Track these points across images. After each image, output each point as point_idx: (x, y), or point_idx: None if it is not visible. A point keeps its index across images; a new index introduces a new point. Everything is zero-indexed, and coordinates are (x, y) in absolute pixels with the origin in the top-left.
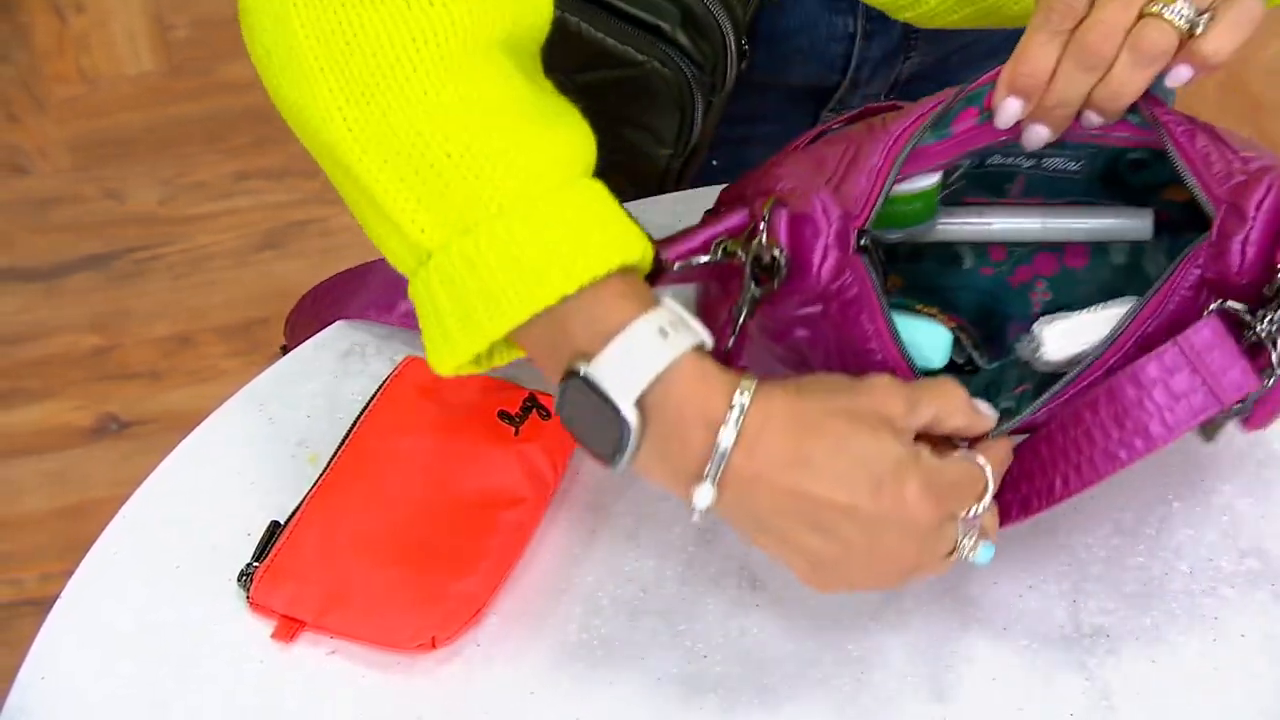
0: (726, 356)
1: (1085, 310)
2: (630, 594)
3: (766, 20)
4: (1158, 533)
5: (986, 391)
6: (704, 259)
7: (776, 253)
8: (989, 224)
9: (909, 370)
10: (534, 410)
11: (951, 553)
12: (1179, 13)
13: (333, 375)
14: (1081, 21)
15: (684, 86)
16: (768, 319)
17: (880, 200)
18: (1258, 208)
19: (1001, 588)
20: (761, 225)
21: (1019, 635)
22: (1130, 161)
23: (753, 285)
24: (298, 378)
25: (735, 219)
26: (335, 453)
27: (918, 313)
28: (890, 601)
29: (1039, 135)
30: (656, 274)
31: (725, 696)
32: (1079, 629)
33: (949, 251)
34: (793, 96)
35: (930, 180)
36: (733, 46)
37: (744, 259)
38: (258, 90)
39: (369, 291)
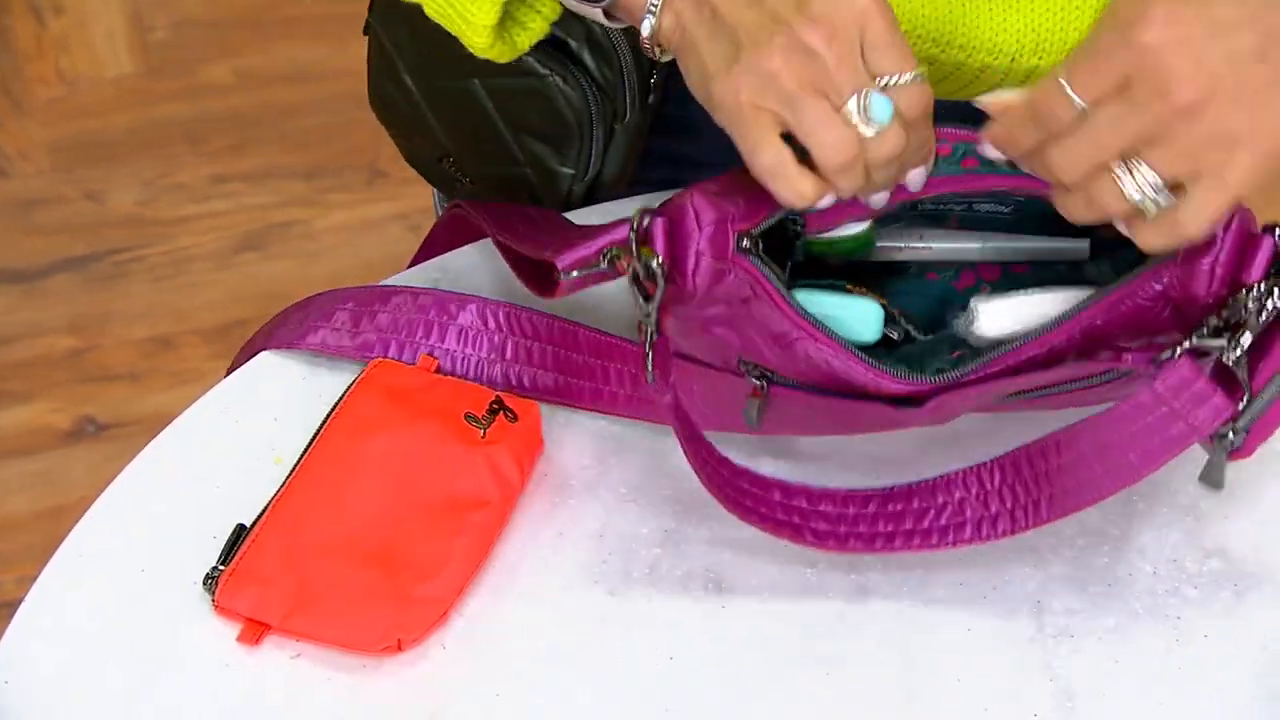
0: (655, 371)
1: (1026, 291)
2: (596, 596)
3: None
4: (1123, 533)
5: (921, 359)
6: (593, 269)
7: (654, 263)
8: (929, 246)
9: (835, 344)
10: (501, 412)
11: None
12: (1140, 187)
13: (300, 378)
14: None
15: (583, 108)
16: (681, 322)
17: (779, 213)
18: (1225, 229)
19: (967, 588)
20: (630, 233)
21: (984, 636)
22: None
23: (640, 296)
24: (265, 381)
25: (624, 229)
26: (301, 455)
27: (848, 292)
28: (855, 602)
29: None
30: (553, 283)
31: (692, 698)
32: (1043, 629)
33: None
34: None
35: (860, 227)
36: (632, 74)
37: (627, 269)
38: (239, 92)
39: (289, 325)
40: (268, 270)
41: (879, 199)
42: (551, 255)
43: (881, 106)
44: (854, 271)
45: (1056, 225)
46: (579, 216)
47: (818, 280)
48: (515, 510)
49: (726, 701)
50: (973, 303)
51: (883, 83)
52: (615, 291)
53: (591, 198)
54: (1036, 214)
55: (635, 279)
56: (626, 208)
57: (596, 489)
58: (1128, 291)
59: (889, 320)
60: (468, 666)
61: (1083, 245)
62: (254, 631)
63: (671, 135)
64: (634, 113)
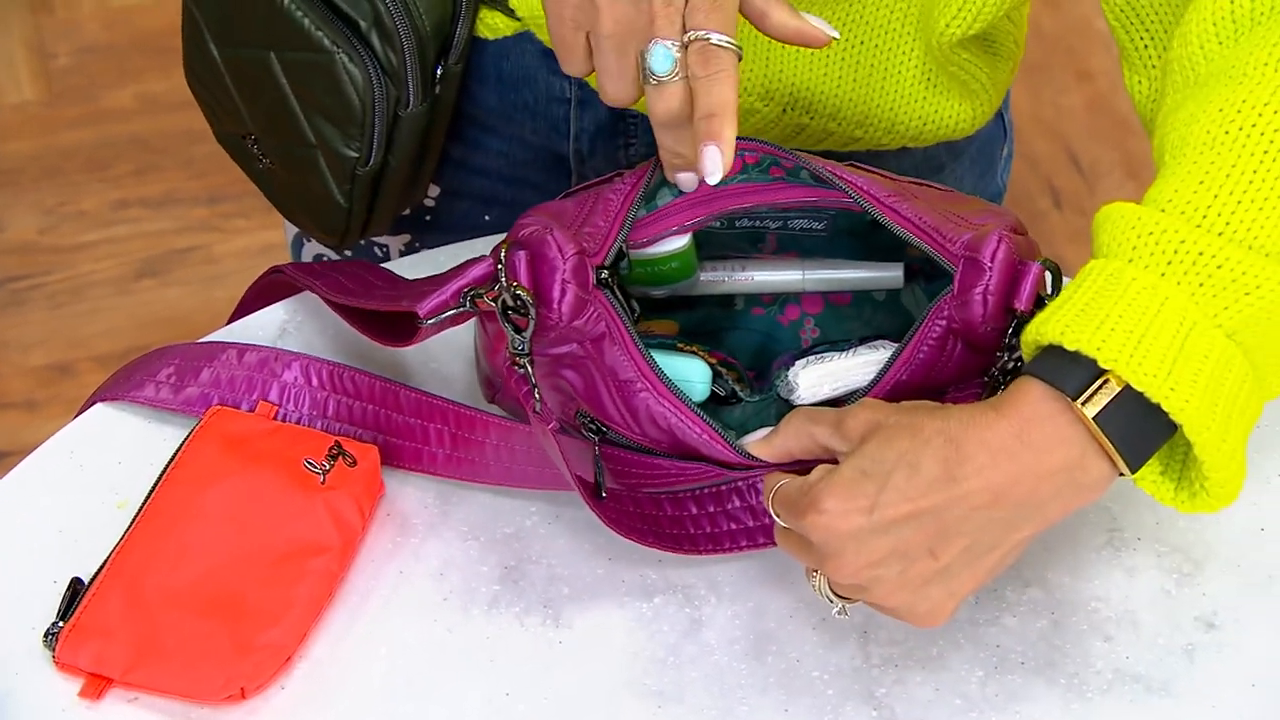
0: (534, 407)
1: (840, 354)
2: (437, 634)
3: (492, 62)
4: None
5: (746, 425)
6: (454, 311)
7: (521, 293)
8: (750, 277)
9: (673, 397)
10: (340, 457)
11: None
12: (825, 592)
13: (145, 421)
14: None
15: (367, 90)
16: (535, 365)
17: (619, 236)
18: (992, 259)
19: (796, 620)
20: (498, 267)
21: (811, 667)
22: (871, 221)
23: (510, 329)
24: (110, 423)
25: (479, 269)
26: (141, 505)
27: (679, 351)
28: (690, 635)
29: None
30: (413, 330)
31: None
32: (869, 660)
33: (721, 295)
34: (545, 162)
35: (681, 242)
36: (412, 63)
37: (492, 305)
38: (140, 118)
39: (121, 379)
40: (167, 296)
41: (686, 180)
42: (410, 305)
43: (660, 58)
44: (684, 303)
45: (868, 243)
46: (401, 267)
47: (649, 338)
48: (357, 553)
49: None
50: (790, 374)
51: (689, 37)
52: (434, 352)
53: (379, 188)
54: (848, 229)
55: (505, 311)
56: (445, 257)
57: (438, 528)
58: (920, 339)
59: (716, 377)
60: (309, 711)
61: (897, 274)
62: (96, 686)
63: (460, 142)
64: (417, 102)
